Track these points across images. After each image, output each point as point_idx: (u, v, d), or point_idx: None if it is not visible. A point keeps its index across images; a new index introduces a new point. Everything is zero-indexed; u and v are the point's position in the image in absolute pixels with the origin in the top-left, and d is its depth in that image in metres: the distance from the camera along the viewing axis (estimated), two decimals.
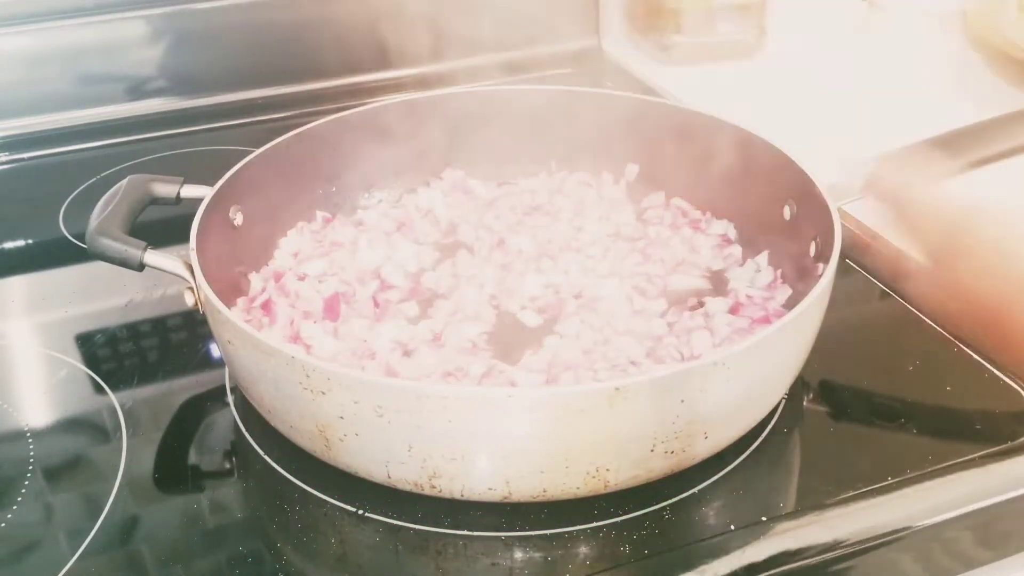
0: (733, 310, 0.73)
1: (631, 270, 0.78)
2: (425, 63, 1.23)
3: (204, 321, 0.65)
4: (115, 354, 0.76)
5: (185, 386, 0.72)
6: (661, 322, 0.72)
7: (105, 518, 0.60)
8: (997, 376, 0.69)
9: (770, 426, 0.65)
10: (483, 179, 0.92)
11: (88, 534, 0.59)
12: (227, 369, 0.71)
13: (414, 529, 0.59)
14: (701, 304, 0.74)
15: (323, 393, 0.55)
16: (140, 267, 0.66)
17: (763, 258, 0.78)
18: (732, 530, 0.58)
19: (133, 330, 0.79)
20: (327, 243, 0.83)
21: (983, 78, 1.17)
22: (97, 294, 0.84)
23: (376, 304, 0.75)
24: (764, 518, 0.58)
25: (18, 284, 0.88)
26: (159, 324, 0.80)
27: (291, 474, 0.63)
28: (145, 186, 0.72)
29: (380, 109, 0.87)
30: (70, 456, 0.67)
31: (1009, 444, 0.63)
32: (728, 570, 0.55)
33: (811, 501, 0.60)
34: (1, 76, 1.09)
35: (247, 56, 1.17)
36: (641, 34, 1.27)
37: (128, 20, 1.12)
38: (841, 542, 0.57)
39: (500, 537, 0.58)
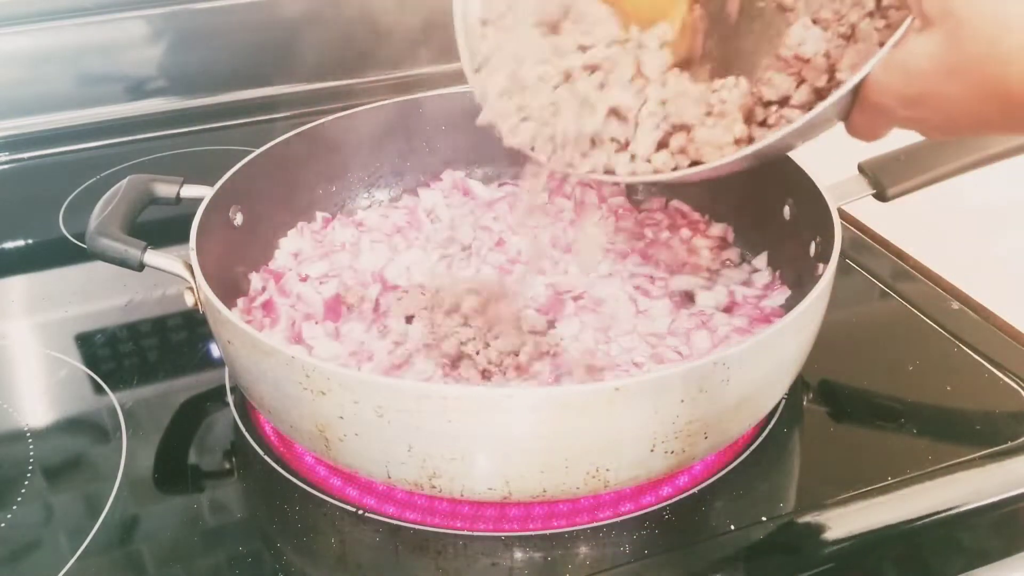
0: (727, 309, 0.73)
1: (631, 271, 0.78)
2: (425, 63, 1.23)
3: (204, 321, 0.65)
4: (115, 354, 0.76)
5: (185, 386, 0.72)
6: (664, 323, 0.72)
7: (105, 518, 0.60)
8: (997, 376, 0.69)
9: (770, 426, 0.65)
10: (483, 179, 0.92)
11: (88, 534, 0.59)
12: (227, 369, 0.71)
13: (414, 529, 0.59)
14: (692, 300, 0.74)
15: (323, 393, 0.55)
16: (140, 267, 0.66)
17: (762, 259, 0.78)
18: (732, 530, 0.58)
19: (133, 330, 0.79)
20: (328, 244, 0.83)
21: None
22: (97, 294, 0.84)
23: (378, 305, 0.75)
24: (764, 518, 0.58)
25: (18, 284, 0.88)
26: (159, 324, 0.80)
27: (291, 474, 0.63)
28: (145, 186, 0.72)
29: (380, 109, 0.87)
30: (70, 456, 0.67)
31: (1009, 444, 0.63)
32: (728, 570, 0.55)
33: (811, 501, 0.60)
34: (1, 76, 1.09)
35: (247, 56, 1.18)
36: None
37: (128, 20, 1.12)
38: (841, 542, 0.57)
39: (500, 537, 0.58)
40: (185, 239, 0.66)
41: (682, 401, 0.54)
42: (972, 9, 0.44)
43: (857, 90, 0.49)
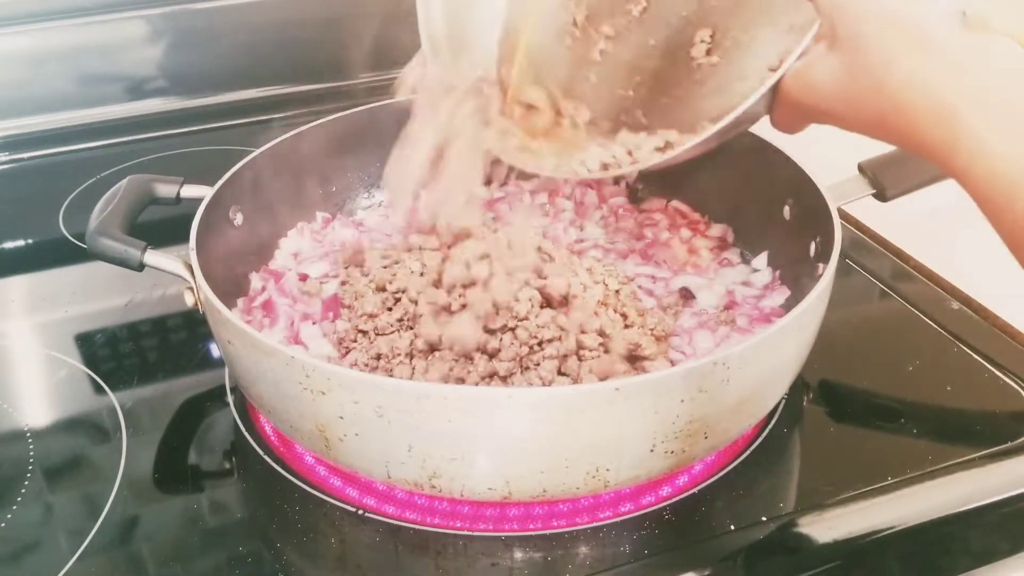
0: (727, 309, 0.73)
1: (632, 271, 0.78)
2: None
3: (204, 321, 0.65)
4: (115, 354, 0.76)
5: (185, 386, 0.72)
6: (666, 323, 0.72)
7: (105, 518, 0.60)
8: (997, 376, 0.69)
9: (770, 426, 0.65)
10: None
11: (88, 534, 0.59)
12: (227, 369, 0.71)
13: (414, 529, 0.59)
14: (692, 298, 0.74)
15: (323, 393, 0.55)
16: (140, 267, 0.66)
17: (762, 259, 0.78)
18: (732, 530, 0.58)
19: (133, 330, 0.79)
20: (328, 244, 0.83)
21: None
22: (97, 294, 0.84)
23: None
24: (764, 518, 0.58)
25: (18, 284, 0.88)
26: (159, 324, 0.80)
27: (291, 474, 0.63)
28: (145, 186, 0.72)
29: (380, 109, 0.87)
30: (70, 456, 0.67)
31: (1009, 444, 0.63)
32: (728, 570, 0.55)
33: (811, 501, 0.60)
34: (1, 76, 1.09)
35: (247, 56, 1.18)
36: None
37: (128, 20, 1.12)
38: (841, 542, 0.57)
39: (500, 537, 0.58)
40: (185, 239, 0.66)
41: (682, 401, 0.54)
42: (868, 41, 0.45)
43: (775, 90, 0.52)
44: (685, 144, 0.58)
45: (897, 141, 0.47)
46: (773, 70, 0.55)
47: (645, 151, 0.62)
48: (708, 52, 0.65)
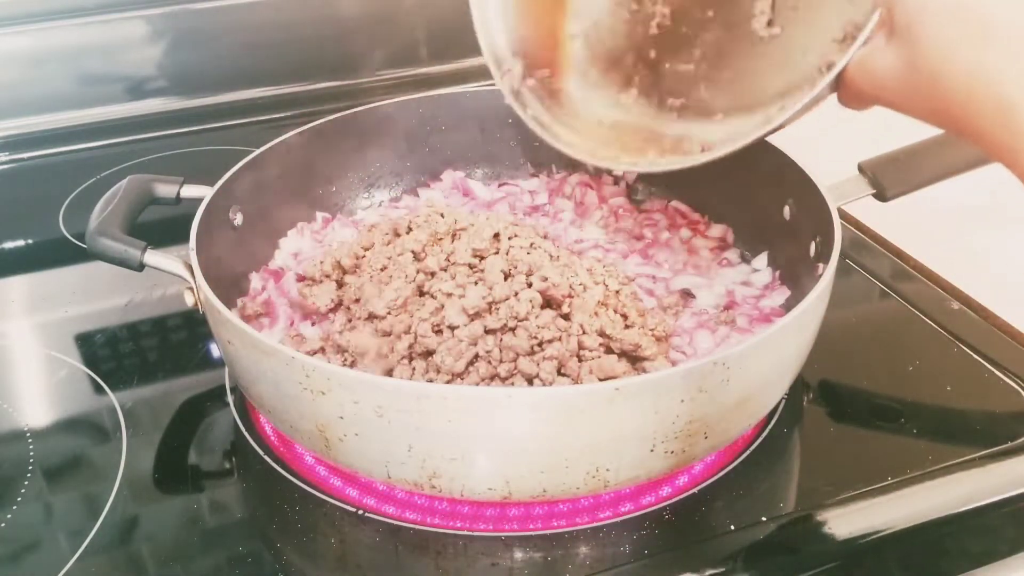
0: (727, 309, 0.73)
1: (633, 271, 0.78)
2: (425, 63, 1.23)
3: (204, 321, 0.65)
4: (115, 354, 0.76)
5: (185, 386, 0.72)
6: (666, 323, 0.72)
7: (105, 518, 0.60)
8: (997, 376, 0.69)
9: (770, 426, 0.65)
10: (483, 179, 0.92)
11: (88, 534, 0.59)
12: (227, 369, 0.71)
13: (414, 529, 0.59)
14: (692, 298, 0.74)
15: (323, 393, 0.55)
16: (140, 267, 0.66)
17: (762, 259, 0.78)
18: (732, 530, 0.58)
19: (133, 330, 0.79)
20: (328, 244, 0.83)
21: None
22: (97, 294, 0.84)
23: None
24: (764, 518, 0.58)
25: (18, 284, 0.88)
26: (159, 324, 0.80)
27: (291, 474, 0.63)
28: (145, 186, 0.72)
29: (380, 109, 0.87)
30: (70, 456, 0.67)
31: (1009, 444, 0.63)
32: (728, 570, 0.55)
33: (811, 501, 0.60)
34: (1, 76, 1.09)
35: (247, 56, 1.18)
36: None
37: (128, 20, 1.12)
38: (841, 542, 0.57)
39: (500, 537, 0.58)
40: (185, 239, 0.66)
41: (682, 401, 0.54)
42: (925, 29, 0.43)
43: (841, 72, 0.52)
44: (749, 138, 0.60)
45: (959, 134, 0.45)
46: (837, 41, 0.55)
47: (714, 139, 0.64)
48: (769, 23, 0.64)
